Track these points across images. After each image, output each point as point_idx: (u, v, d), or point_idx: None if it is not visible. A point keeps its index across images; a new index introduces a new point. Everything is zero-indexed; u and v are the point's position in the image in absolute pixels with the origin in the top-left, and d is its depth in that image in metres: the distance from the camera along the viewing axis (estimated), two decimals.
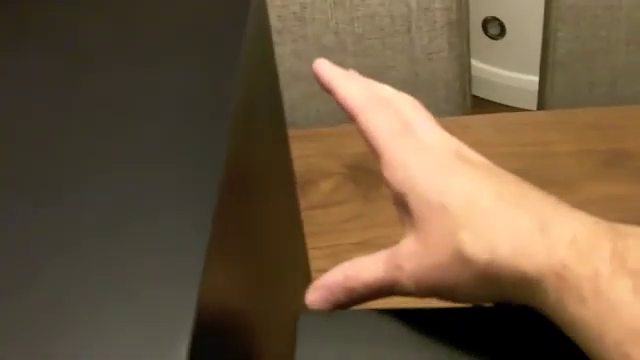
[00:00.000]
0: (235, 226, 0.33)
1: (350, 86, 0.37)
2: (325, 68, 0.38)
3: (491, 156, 0.71)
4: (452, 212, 0.31)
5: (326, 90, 0.38)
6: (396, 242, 0.60)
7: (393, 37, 0.73)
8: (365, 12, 0.72)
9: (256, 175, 0.39)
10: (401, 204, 0.34)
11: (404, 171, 0.33)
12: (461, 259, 0.30)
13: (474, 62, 0.83)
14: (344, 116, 0.80)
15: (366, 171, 0.69)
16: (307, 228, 0.55)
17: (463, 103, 0.78)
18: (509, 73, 1.54)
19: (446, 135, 0.35)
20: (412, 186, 0.33)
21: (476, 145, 0.74)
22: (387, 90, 0.38)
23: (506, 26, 1.52)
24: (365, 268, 0.35)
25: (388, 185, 0.34)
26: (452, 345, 0.33)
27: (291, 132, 0.51)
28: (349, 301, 0.35)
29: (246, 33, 0.36)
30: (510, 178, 0.33)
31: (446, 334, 0.34)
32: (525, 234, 0.29)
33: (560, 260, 0.28)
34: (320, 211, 0.67)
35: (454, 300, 0.33)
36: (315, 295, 0.36)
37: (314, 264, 0.57)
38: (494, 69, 1.55)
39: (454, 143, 0.35)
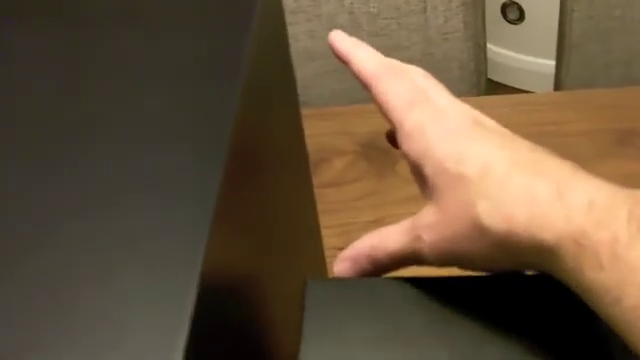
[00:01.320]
0: (243, 195, 0.33)
1: (365, 56, 0.37)
2: (340, 39, 0.38)
3: None
4: (469, 181, 0.31)
5: (341, 60, 0.38)
6: None
7: (408, 17, 0.73)
8: None
9: (267, 148, 0.40)
10: (419, 175, 0.34)
11: (422, 139, 0.33)
12: (479, 229, 0.31)
13: (492, 46, 0.83)
14: (358, 96, 0.81)
15: (379, 149, 0.70)
16: (320, 206, 0.56)
17: (477, 84, 0.78)
18: (526, 57, 1.54)
19: (461, 103, 0.35)
20: (430, 156, 0.33)
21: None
22: (400, 63, 0.38)
23: (525, 11, 1.52)
24: (389, 238, 0.35)
25: (406, 156, 0.34)
26: (465, 313, 0.33)
27: (304, 111, 0.51)
28: (375, 270, 0.36)
29: (257, 10, 0.37)
30: (525, 144, 0.33)
31: (459, 302, 0.34)
32: (542, 201, 0.29)
33: (578, 226, 0.28)
34: (333, 189, 0.68)
35: (474, 269, 0.33)
36: (343, 265, 0.36)
37: (327, 242, 0.58)
38: (512, 53, 1.55)
39: (469, 110, 0.35)
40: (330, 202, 0.66)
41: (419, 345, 0.33)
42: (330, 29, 0.74)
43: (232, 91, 0.33)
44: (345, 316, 0.34)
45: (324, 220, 0.59)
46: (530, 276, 0.33)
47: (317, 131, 0.69)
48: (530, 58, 1.53)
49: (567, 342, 0.32)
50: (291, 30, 0.49)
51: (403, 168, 0.69)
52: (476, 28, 0.74)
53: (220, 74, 0.34)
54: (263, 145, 0.39)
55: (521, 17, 1.58)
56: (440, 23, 0.73)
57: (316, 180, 0.58)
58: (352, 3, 0.72)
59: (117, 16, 0.37)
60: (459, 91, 0.79)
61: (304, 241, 0.51)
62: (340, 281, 0.36)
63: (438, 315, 0.34)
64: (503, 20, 1.56)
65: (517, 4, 1.56)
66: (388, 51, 0.74)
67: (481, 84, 0.77)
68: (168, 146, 0.30)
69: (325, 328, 0.34)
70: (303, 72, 0.47)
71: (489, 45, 0.80)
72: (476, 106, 0.74)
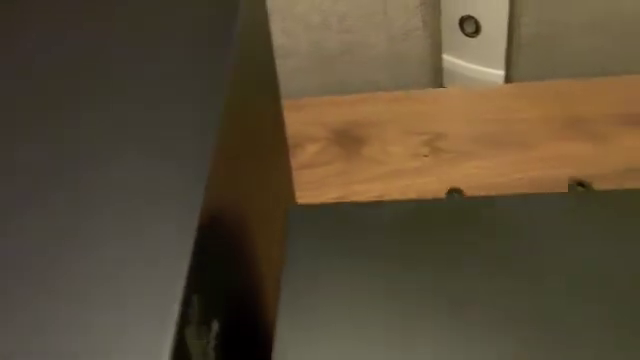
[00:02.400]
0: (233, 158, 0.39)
1: None
2: None
3: (460, 122, 0.80)
4: None
5: None
6: (373, 197, 0.68)
7: (373, 16, 0.81)
8: None
9: (253, 129, 0.45)
10: None
11: None
12: None
13: (450, 57, 0.90)
14: (329, 89, 0.89)
15: (348, 136, 0.77)
16: (295, 185, 0.63)
17: (436, 78, 0.85)
18: (482, 68, 1.62)
19: None
20: None
21: (445, 112, 0.82)
22: None
23: (481, 24, 1.60)
24: None
25: None
26: (448, 236, 0.37)
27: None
28: None
29: (241, 6, 0.42)
30: None
31: (442, 225, 0.38)
32: None
33: None
34: (306, 170, 0.75)
35: None
36: None
37: None
38: (468, 65, 1.63)
39: None
40: (304, 182, 0.73)
41: (399, 269, 0.37)
42: (303, 27, 0.82)
43: (221, 78, 0.38)
44: (325, 239, 0.40)
45: (298, 196, 0.66)
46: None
47: (292, 120, 0.75)
48: (485, 69, 1.61)
49: None
50: None
51: (368, 152, 0.76)
52: (434, 27, 0.81)
53: (207, 65, 0.37)
54: (249, 128, 0.45)
55: (477, 30, 1.66)
56: (401, 23, 0.81)
57: (292, 163, 0.65)
58: (323, 3, 0.80)
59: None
60: (419, 85, 0.86)
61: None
62: (320, 206, 0.42)
63: (418, 238, 0.38)
64: (461, 33, 1.64)
65: (474, 18, 1.64)
66: (356, 48, 0.82)
67: (439, 79, 0.84)
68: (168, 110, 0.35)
69: (306, 251, 0.40)
70: (279, 68, 0.53)
71: (447, 57, 0.88)
72: (432, 97, 0.82)
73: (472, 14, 0.93)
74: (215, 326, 0.30)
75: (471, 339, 0.34)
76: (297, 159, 0.76)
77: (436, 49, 0.84)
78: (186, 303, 0.26)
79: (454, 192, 0.47)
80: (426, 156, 0.73)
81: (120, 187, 0.31)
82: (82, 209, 0.30)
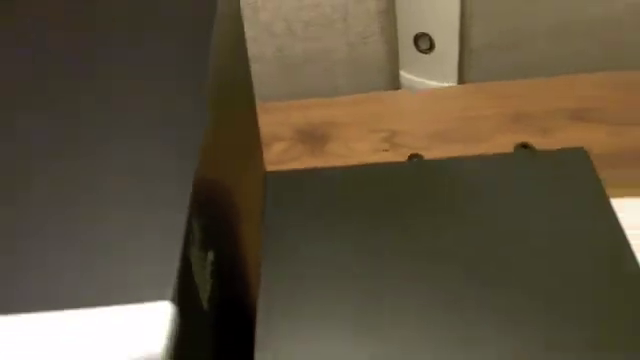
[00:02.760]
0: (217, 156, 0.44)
1: None
2: None
3: (416, 120, 0.85)
4: None
5: None
6: None
7: (334, 24, 0.86)
8: (311, 2, 0.85)
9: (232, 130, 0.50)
10: None
11: None
12: None
13: (405, 74, 0.96)
14: (293, 92, 0.94)
15: (312, 135, 0.82)
16: None
17: (393, 82, 0.91)
18: (436, 83, 1.68)
19: None
20: None
21: (403, 112, 0.87)
22: None
23: (435, 41, 1.67)
24: None
25: None
26: (424, 198, 0.42)
27: None
28: None
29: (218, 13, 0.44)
30: None
31: (419, 187, 0.43)
32: None
33: None
34: (274, 166, 0.79)
35: None
36: None
37: None
38: (423, 80, 1.70)
39: None
40: None
41: (376, 232, 0.41)
42: (269, 35, 0.87)
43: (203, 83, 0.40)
44: (302, 204, 0.45)
45: None
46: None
47: (260, 122, 0.80)
48: (440, 83, 1.68)
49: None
50: None
51: (332, 148, 0.81)
52: (390, 34, 0.87)
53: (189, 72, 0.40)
54: (232, 124, 0.49)
55: (431, 46, 1.73)
56: (360, 30, 0.87)
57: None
58: (287, 12, 0.85)
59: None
60: (378, 88, 0.92)
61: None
62: (297, 172, 0.46)
63: (386, 196, 0.42)
64: (415, 50, 1.71)
65: (428, 35, 1.71)
66: (319, 54, 0.87)
67: (397, 83, 0.90)
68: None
69: (284, 217, 0.44)
70: None
71: (404, 73, 0.94)
72: (392, 99, 0.87)
73: (426, 31, 0.98)
74: (210, 255, 0.34)
75: (436, 286, 0.38)
76: (265, 156, 0.80)
77: (393, 55, 0.89)
78: (189, 224, 0.31)
79: (414, 157, 0.52)
80: (386, 150, 0.79)
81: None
82: (83, 147, 0.34)
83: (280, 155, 0.81)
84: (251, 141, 0.58)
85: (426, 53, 1.76)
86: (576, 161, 0.44)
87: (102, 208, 0.31)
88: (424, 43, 1.79)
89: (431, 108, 0.85)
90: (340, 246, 0.40)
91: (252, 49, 0.86)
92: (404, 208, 0.42)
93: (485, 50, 0.92)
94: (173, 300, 0.27)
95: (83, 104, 0.37)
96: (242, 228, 0.46)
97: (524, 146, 0.50)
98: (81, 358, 0.26)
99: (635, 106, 0.82)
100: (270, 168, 0.78)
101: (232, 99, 0.48)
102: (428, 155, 0.77)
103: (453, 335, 0.35)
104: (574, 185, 0.43)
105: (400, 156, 0.78)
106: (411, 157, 0.52)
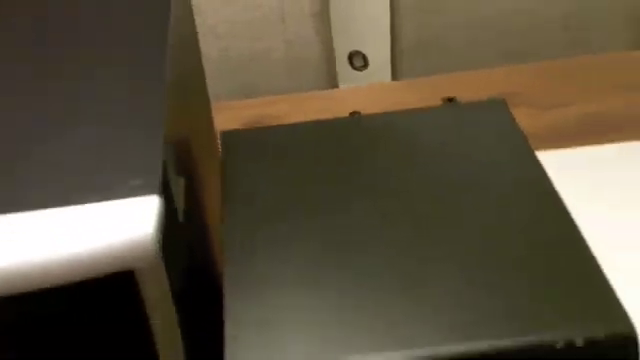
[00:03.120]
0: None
1: None
2: None
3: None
4: None
5: None
6: None
7: (274, 25, 0.92)
8: (250, 4, 0.91)
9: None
10: None
11: None
12: None
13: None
14: (236, 92, 1.00)
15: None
16: None
17: (332, 81, 0.97)
18: None
19: None
20: None
21: (341, 107, 0.93)
22: None
23: (369, 58, 1.75)
24: None
25: None
26: (378, 150, 0.47)
27: None
28: None
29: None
30: None
31: (375, 139, 0.48)
32: None
33: None
34: None
35: None
36: None
37: None
38: None
39: None
40: None
41: (325, 179, 0.45)
42: (213, 38, 0.92)
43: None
44: (257, 156, 0.49)
45: None
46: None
47: None
48: None
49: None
50: None
51: None
52: (325, 34, 0.93)
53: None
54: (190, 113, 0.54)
55: (365, 64, 1.81)
56: (296, 30, 0.93)
57: None
58: (230, 15, 0.91)
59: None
60: (317, 87, 0.98)
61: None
62: (252, 130, 0.51)
63: (340, 149, 0.47)
64: (350, 67, 1.79)
65: (362, 53, 1.79)
66: (261, 53, 0.92)
67: (334, 82, 0.96)
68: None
69: (241, 172, 0.49)
70: None
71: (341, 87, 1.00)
72: (331, 98, 0.93)
73: (360, 49, 1.04)
74: (182, 181, 0.39)
75: (372, 221, 0.44)
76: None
77: (329, 54, 0.95)
78: (165, 142, 0.35)
79: (355, 113, 0.58)
80: None
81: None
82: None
83: None
84: (208, 133, 0.62)
85: (360, 70, 1.84)
86: (496, 109, 0.50)
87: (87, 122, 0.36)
88: (358, 61, 1.88)
89: (367, 101, 0.91)
90: (292, 189, 0.45)
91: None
92: (347, 157, 0.48)
93: (418, 63, 0.99)
94: (160, 194, 0.32)
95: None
96: (202, 179, 0.51)
97: (450, 100, 0.56)
98: (77, 247, 0.30)
99: (552, 91, 0.89)
100: None
101: (189, 89, 0.53)
102: None
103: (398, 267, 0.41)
104: (495, 129, 0.49)
105: None
106: (352, 113, 0.57)
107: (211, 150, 0.59)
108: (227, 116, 0.89)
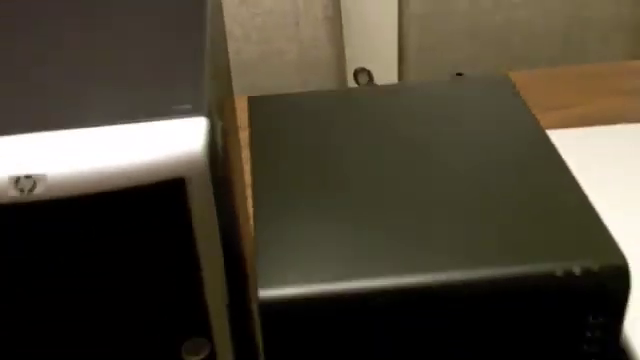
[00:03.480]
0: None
1: None
2: None
3: None
4: None
5: None
6: None
7: (286, 29, 0.96)
8: (264, 9, 0.95)
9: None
10: None
11: None
12: None
13: None
14: (247, 93, 1.03)
15: None
16: None
17: (342, 83, 1.01)
18: None
19: None
20: None
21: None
22: None
23: (373, 75, 1.80)
24: None
25: None
26: (400, 118, 0.51)
27: None
28: None
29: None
30: None
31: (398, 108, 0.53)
32: None
33: None
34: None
35: None
36: None
37: None
38: None
39: None
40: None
41: (351, 143, 0.49)
42: (229, 39, 0.96)
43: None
44: (284, 120, 0.53)
45: None
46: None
47: None
48: None
49: None
50: None
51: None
52: (336, 38, 0.98)
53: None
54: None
55: (370, 80, 1.86)
56: (310, 33, 0.97)
57: None
58: (243, 19, 0.95)
59: None
60: (328, 87, 1.02)
61: None
62: (279, 96, 0.55)
63: (369, 115, 0.51)
64: (355, 84, 1.84)
65: (367, 70, 1.85)
66: (272, 56, 0.97)
67: (344, 83, 1.00)
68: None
69: (269, 137, 0.52)
70: None
71: None
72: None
73: (365, 66, 1.08)
74: (220, 123, 0.43)
75: (389, 178, 0.48)
76: None
77: (341, 57, 1.00)
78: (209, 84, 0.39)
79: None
80: None
81: None
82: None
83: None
84: (232, 110, 0.66)
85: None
86: (501, 82, 0.54)
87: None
88: (363, 78, 1.92)
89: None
90: (314, 147, 0.49)
91: None
92: (363, 118, 0.52)
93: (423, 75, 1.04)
94: (207, 117, 0.36)
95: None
96: (230, 142, 0.55)
97: (459, 74, 0.61)
98: (138, 156, 0.34)
99: (552, 93, 0.94)
100: None
101: (222, 58, 0.57)
102: None
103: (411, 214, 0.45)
104: (499, 97, 0.53)
105: None
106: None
107: (235, 124, 0.63)
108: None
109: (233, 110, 0.67)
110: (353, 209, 0.44)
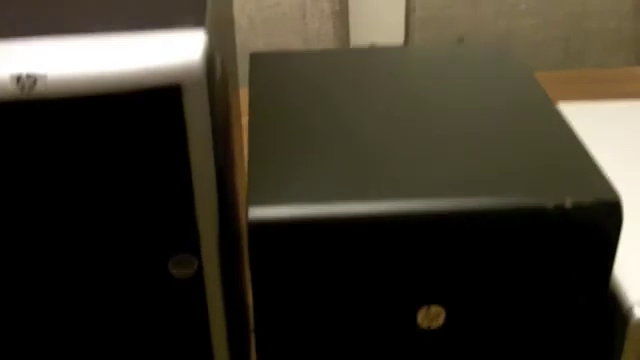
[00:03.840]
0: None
1: None
2: None
3: None
4: None
5: None
6: None
7: (292, 22, 0.98)
8: (271, 2, 0.97)
9: None
10: None
11: None
12: None
13: None
14: None
15: None
16: None
17: None
18: None
19: None
20: None
21: None
22: None
23: None
24: None
25: None
26: (401, 79, 0.51)
27: None
28: None
29: None
30: None
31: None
32: None
33: None
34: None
35: None
36: None
37: None
38: None
39: None
40: None
41: (348, 97, 0.49)
42: (236, 30, 0.97)
43: None
44: (286, 81, 0.54)
45: None
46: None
47: None
48: None
49: None
50: None
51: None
52: (342, 32, 0.99)
53: None
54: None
55: None
56: (316, 27, 0.98)
57: None
58: (250, 11, 0.96)
59: None
60: None
61: None
62: (279, 53, 0.56)
63: (369, 73, 0.52)
64: None
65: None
66: (278, 48, 0.98)
67: None
68: None
69: (267, 87, 0.53)
70: None
71: None
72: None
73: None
74: (219, 57, 0.44)
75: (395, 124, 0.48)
76: None
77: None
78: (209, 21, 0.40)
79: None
80: None
81: None
82: None
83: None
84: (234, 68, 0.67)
85: None
86: (501, 50, 0.55)
87: None
88: None
89: None
90: (310, 99, 0.50)
91: None
92: (364, 76, 0.53)
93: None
94: (206, 32, 0.37)
95: None
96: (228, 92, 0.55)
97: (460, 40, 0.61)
98: (138, 61, 0.35)
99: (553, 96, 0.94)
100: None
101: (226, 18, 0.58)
102: None
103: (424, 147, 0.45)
104: (499, 59, 0.54)
105: None
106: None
107: (237, 106, 0.64)
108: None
109: (236, 90, 0.68)
110: (349, 140, 0.44)
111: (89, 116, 0.35)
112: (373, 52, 0.56)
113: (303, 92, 0.51)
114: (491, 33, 1.02)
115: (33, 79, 0.34)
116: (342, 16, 0.97)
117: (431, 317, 0.42)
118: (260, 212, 0.39)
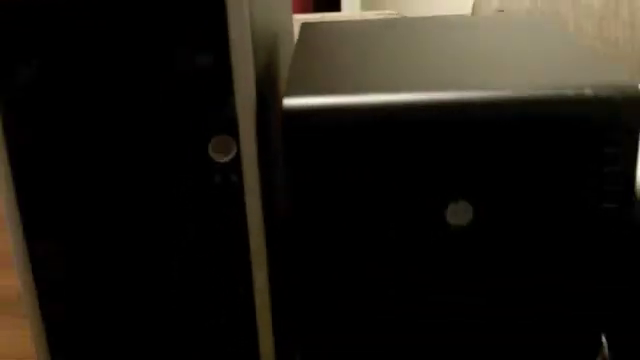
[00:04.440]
0: None
1: None
2: None
3: None
4: None
5: None
6: None
7: None
8: None
9: None
10: None
11: None
12: None
13: None
14: None
15: None
16: None
17: None
18: None
19: None
20: None
21: None
22: None
23: None
24: None
25: None
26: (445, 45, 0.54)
27: None
28: None
29: None
30: None
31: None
32: None
33: None
34: None
35: None
36: None
37: None
38: None
39: None
40: None
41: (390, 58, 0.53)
42: None
43: None
44: (328, 38, 0.57)
45: None
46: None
47: None
48: None
49: None
50: None
51: None
52: None
53: None
54: None
55: None
56: None
57: None
58: None
59: None
60: None
61: None
62: (325, 22, 0.60)
63: (406, 39, 0.55)
64: None
65: None
66: None
67: None
68: None
69: (317, 32, 0.56)
70: None
71: None
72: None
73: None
74: None
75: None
76: None
77: None
78: None
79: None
80: None
81: None
82: None
83: None
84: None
85: None
86: (545, 19, 0.58)
87: None
88: None
89: None
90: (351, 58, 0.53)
91: None
92: (400, 41, 0.56)
93: None
94: None
95: None
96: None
97: (500, 10, 0.65)
98: None
99: None
100: None
101: None
102: None
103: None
104: (543, 25, 0.56)
105: None
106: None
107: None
108: None
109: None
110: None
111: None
112: (400, 21, 0.59)
113: (352, 33, 0.54)
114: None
115: None
116: None
117: (460, 213, 0.44)
118: (293, 102, 0.41)
